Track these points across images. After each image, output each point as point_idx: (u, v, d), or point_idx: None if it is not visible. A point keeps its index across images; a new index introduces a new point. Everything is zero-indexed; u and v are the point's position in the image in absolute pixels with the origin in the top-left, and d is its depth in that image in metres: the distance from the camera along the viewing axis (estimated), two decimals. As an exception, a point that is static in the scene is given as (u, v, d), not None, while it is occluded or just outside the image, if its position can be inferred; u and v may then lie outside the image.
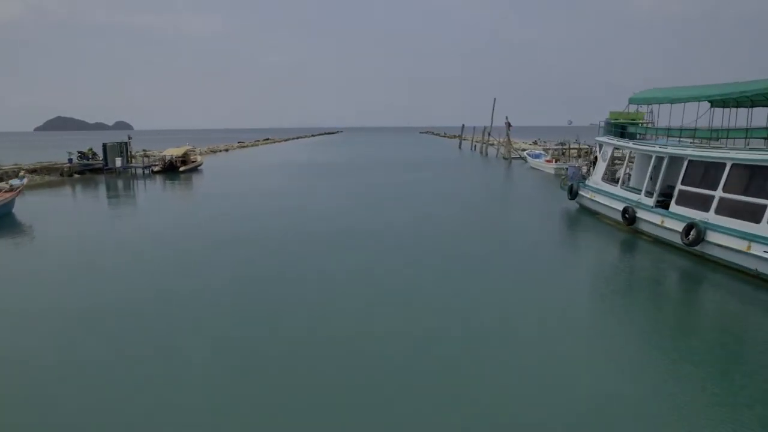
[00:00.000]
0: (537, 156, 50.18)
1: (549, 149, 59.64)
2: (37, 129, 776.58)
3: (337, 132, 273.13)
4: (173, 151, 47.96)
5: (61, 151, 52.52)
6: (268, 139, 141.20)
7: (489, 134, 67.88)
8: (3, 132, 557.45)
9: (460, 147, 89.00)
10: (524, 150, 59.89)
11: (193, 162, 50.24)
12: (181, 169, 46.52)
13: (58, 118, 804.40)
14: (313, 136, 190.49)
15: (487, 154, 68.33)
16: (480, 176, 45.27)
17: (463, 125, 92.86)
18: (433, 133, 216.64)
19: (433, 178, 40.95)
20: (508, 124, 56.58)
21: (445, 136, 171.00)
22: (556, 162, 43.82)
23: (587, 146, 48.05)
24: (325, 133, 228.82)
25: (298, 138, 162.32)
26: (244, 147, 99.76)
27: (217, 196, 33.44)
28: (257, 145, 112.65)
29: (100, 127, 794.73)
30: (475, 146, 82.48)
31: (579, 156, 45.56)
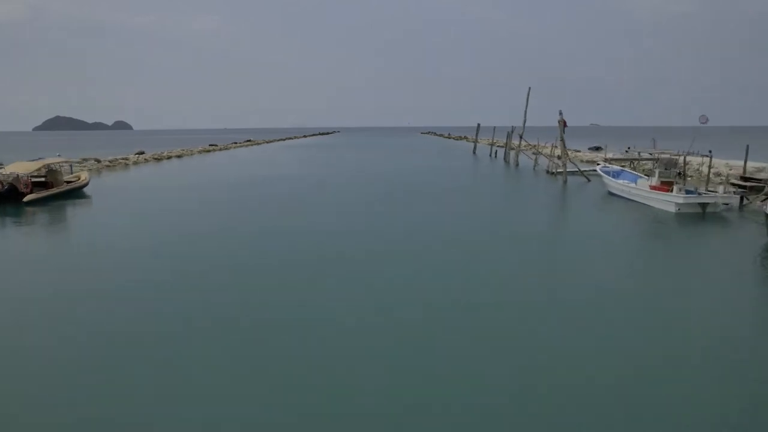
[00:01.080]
0: (616, 174, 30.66)
1: (621, 159, 40.27)
2: (36, 129, 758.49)
3: (333, 132, 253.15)
4: (21, 168, 28.26)
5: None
6: (249, 140, 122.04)
7: (521, 137, 48.50)
8: (1, 132, 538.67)
9: (474, 152, 69.58)
10: (559, 157, 40.71)
11: (69, 183, 30.99)
12: (30, 197, 27.03)
13: (57, 117, 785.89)
14: (305, 137, 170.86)
15: (518, 165, 48.92)
16: (547, 212, 25.86)
17: (479, 125, 73.29)
18: (435, 134, 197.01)
19: (470, 212, 21.56)
20: (563, 123, 36.80)
21: (449, 137, 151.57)
22: (671, 190, 24.11)
23: (676, 154, 28.26)
24: (320, 134, 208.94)
25: (286, 139, 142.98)
26: (209, 152, 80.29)
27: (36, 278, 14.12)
28: (229, 148, 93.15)
29: (99, 126, 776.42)
30: (495, 152, 62.99)
31: (682, 175, 26.14)
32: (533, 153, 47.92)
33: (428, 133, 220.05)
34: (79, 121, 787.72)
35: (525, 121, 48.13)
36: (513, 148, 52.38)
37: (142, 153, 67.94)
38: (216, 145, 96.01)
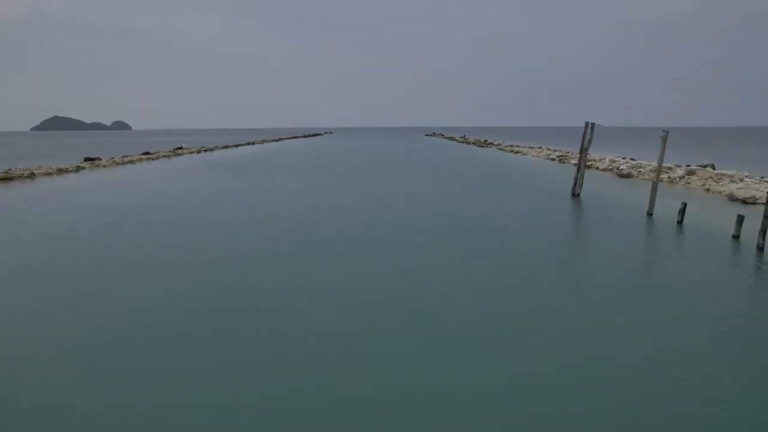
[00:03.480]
0: None
1: None
2: (34, 129, 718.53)
3: (324, 134, 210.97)
4: None
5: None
6: (181, 147, 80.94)
7: None
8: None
9: (576, 192, 28.02)
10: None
11: None
12: None
13: (55, 117, 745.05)
14: (280, 139, 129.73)
15: None
16: None
17: (589, 124, 30.61)
18: (443, 136, 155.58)
19: None
20: None
21: (464, 141, 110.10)
22: None
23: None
24: (305, 136, 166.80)
25: (247, 144, 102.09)
26: (33, 177, 38.86)
27: None
28: (100, 168, 51.71)
29: (97, 126, 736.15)
30: (668, 208, 21.13)
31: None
32: None
33: (433, 134, 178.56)
34: (78, 121, 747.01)
35: None
36: None
37: None
38: (96, 160, 55.17)
